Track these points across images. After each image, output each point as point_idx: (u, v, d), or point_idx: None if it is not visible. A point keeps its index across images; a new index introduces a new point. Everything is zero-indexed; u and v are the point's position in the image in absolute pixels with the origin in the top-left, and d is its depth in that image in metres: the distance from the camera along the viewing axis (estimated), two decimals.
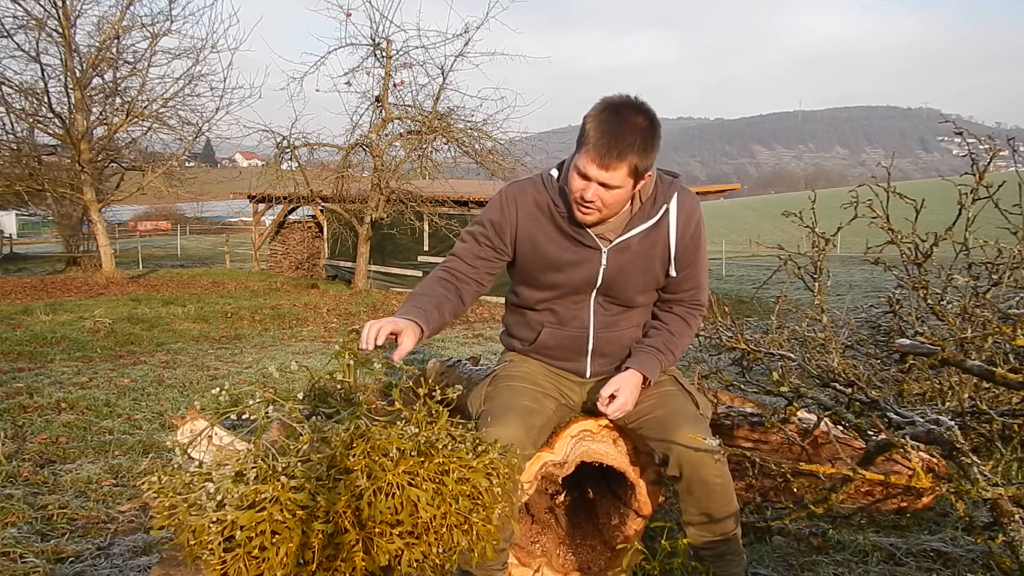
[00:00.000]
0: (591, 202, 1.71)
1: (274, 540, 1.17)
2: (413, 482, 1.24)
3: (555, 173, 1.86)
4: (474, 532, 1.30)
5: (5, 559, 2.28)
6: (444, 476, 1.27)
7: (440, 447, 1.31)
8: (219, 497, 1.20)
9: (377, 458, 1.24)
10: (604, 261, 1.83)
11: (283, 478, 1.21)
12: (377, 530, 1.21)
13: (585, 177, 1.69)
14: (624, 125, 1.64)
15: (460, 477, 1.29)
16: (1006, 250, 3.10)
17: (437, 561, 1.27)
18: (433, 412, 1.37)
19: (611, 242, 1.82)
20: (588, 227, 1.81)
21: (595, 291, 1.88)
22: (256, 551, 1.16)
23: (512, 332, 2.04)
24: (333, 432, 1.30)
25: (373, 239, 13.78)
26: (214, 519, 1.17)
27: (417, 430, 1.31)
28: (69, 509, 2.73)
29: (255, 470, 1.23)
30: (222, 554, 1.17)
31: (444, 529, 1.25)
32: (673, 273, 1.87)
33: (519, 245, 1.88)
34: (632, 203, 1.83)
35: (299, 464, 1.25)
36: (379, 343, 1.59)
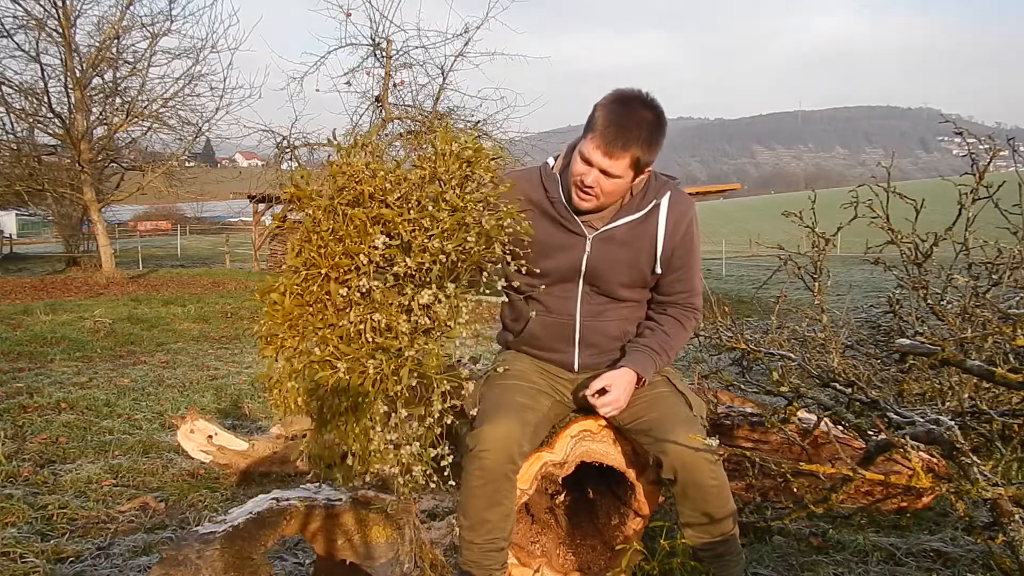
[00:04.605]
0: (590, 188, 1.75)
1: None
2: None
3: (551, 161, 1.91)
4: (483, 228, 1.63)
5: (5, 559, 2.28)
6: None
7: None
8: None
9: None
10: (588, 248, 1.86)
11: None
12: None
13: (588, 163, 1.74)
14: (632, 117, 1.70)
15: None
16: (1006, 250, 3.10)
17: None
18: None
19: (596, 230, 1.85)
20: (579, 214, 1.84)
21: (581, 279, 1.90)
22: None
23: (506, 325, 2.07)
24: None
25: None
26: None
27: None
28: (69, 509, 2.73)
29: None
30: None
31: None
32: (659, 270, 1.88)
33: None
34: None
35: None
36: None
